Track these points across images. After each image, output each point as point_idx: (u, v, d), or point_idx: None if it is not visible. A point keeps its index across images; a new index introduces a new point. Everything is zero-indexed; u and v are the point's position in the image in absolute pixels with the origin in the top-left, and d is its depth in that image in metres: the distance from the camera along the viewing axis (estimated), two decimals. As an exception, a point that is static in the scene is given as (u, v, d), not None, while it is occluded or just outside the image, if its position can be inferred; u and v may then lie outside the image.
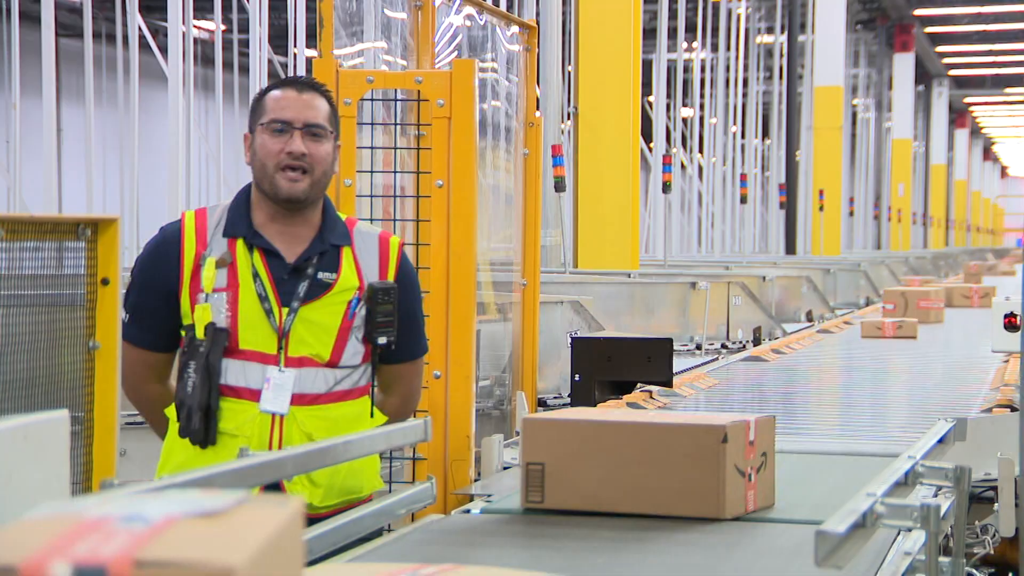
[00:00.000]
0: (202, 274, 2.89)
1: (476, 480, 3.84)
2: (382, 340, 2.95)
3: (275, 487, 2.86)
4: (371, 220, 3.88)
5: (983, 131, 56.25)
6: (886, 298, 11.64)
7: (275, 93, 2.96)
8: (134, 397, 3.05)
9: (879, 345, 9.04)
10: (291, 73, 13.79)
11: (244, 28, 15.97)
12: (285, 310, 2.90)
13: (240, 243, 2.93)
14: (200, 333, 2.87)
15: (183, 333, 2.91)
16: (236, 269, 2.91)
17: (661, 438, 2.59)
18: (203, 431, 2.86)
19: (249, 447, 2.83)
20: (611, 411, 2.83)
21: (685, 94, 23.34)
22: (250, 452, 2.37)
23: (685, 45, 22.27)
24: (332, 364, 2.92)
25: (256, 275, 2.91)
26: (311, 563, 2.52)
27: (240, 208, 2.97)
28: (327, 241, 2.96)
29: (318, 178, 2.93)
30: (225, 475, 2.19)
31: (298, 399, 2.89)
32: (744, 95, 24.45)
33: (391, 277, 3.00)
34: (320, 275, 2.93)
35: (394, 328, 2.97)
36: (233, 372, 2.88)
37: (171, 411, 2.94)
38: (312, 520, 2.87)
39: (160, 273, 2.93)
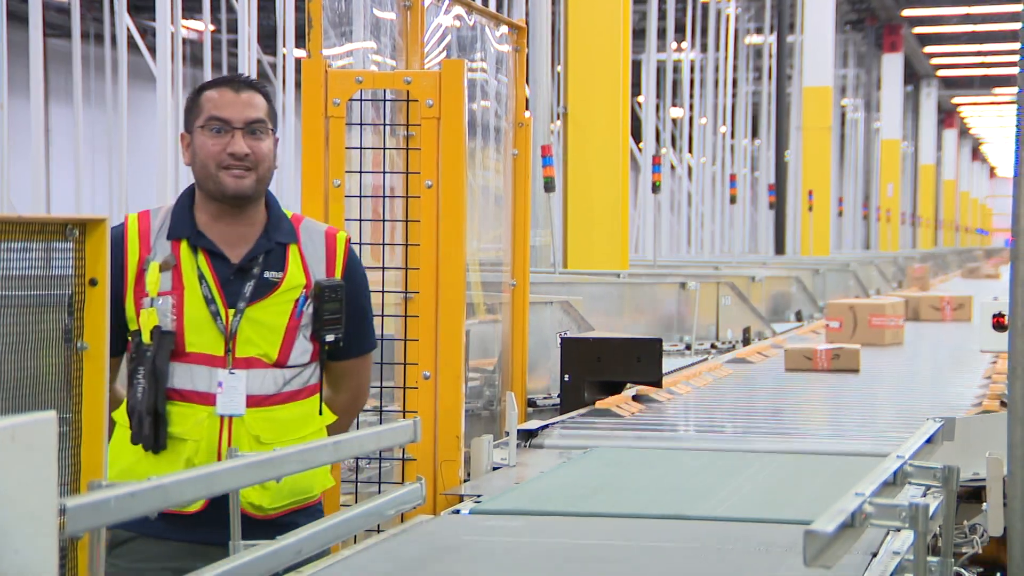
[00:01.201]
0: (147, 278, 2.87)
1: (465, 481, 3.84)
2: (330, 338, 2.94)
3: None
4: (360, 220, 3.87)
5: (971, 131, 56.37)
6: (829, 313, 8.86)
7: (211, 92, 2.94)
8: None
9: (801, 385, 6.42)
10: (280, 74, 13.77)
11: (233, 28, 15.94)
12: (231, 311, 2.87)
13: (184, 245, 2.91)
14: (147, 338, 2.84)
15: (129, 338, 2.88)
16: (181, 272, 2.89)
17: None
18: (153, 436, 2.83)
19: (198, 450, 2.82)
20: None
21: (674, 94, 23.36)
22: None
23: (674, 45, 22.29)
24: (280, 364, 2.90)
25: (201, 277, 2.89)
26: (297, 566, 2.51)
27: (184, 209, 2.95)
28: (272, 239, 2.94)
29: (263, 175, 2.92)
30: (222, 474, 2.18)
31: (247, 401, 2.87)
32: (733, 95, 24.47)
33: (339, 274, 2.98)
34: (266, 274, 2.91)
35: (342, 325, 2.95)
36: (180, 376, 2.86)
37: (116, 415, 2.91)
38: (263, 523, 2.86)
39: None
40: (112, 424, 2.93)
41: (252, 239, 2.94)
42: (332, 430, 3.04)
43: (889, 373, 7.08)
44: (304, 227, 3.01)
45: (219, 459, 2.84)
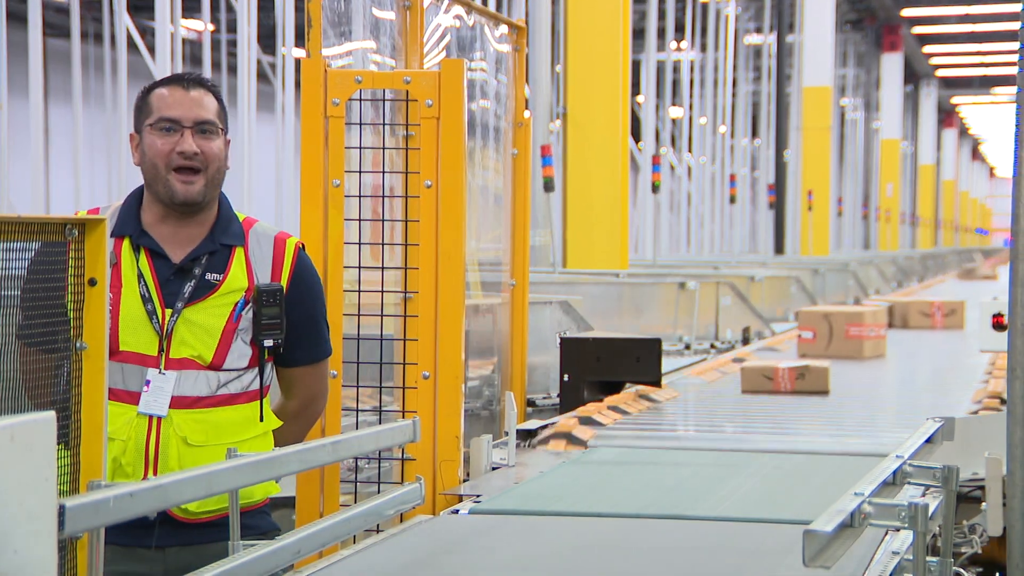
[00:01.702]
0: None
1: (465, 481, 3.84)
2: (268, 343, 2.90)
3: None
4: (360, 220, 3.87)
5: (971, 132, 56.38)
6: (802, 322, 7.88)
7: (161, 91, 2.92)
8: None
9: (758, 410, 5.43)
10: (280, 74, 13.76)
11: (232, 28, 15.94)
12: (169, 311, 2.85)
13: (126, 243, 2.89)
14: None
15: None
16: (120, 270, 2.87)
17: None
18: None
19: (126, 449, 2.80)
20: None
21: (674, 94, 23.36)
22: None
23: (674, 45, 22.29)
24: (215, 367, 2.87)
25: (141, 276, 2.87)
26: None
27: (131, 208, 2.93)
28: (217, 241, 2.92)
29: (212, 176, 2.90)
30: (222, 473, 2.18)
31: (177, 402, 2.84)
32: (733, 95, 24.47)
33: (285, 280, 2.95)
34: (207, 275, 2.89)
35: (281, 331, 2.91)
36: (112, 374, 2.80)
37: None
38: (189, 526, 2.84)
39: None
40: None
41: (198, 239, 2.91)
42: (283, 436, 3.01)
43: (862, 395, 6.15)
44: (254, 231, 2.97)
45: (147, 459, 2.81)
